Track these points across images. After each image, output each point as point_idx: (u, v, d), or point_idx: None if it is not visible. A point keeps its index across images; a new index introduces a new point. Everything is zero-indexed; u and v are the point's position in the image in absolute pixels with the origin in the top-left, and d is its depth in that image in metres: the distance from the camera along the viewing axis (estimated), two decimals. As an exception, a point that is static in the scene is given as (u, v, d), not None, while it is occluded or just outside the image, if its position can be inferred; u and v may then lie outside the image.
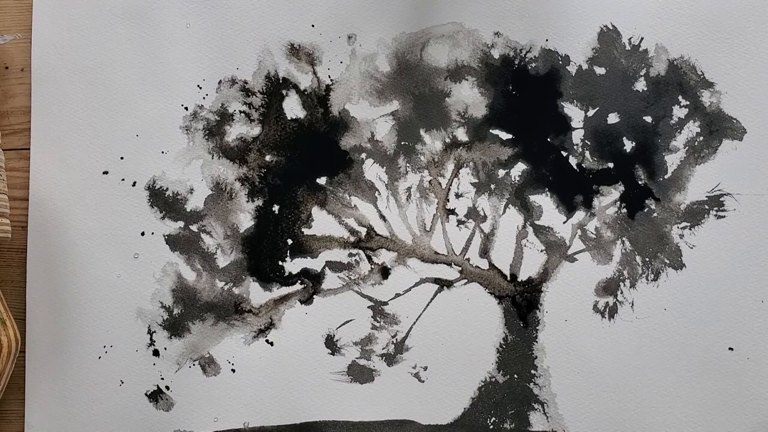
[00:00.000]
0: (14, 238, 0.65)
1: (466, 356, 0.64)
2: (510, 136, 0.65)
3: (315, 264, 0.65)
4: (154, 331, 0.65)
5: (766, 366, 0.63)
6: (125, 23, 0.66)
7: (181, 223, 0.65)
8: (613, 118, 0.65)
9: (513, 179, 0.65)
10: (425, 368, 0.64)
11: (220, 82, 0.66)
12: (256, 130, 0.66)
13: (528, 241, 0.64)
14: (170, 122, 0.66)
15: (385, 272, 0.65)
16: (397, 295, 0.65)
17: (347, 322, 0.64)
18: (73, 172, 0.65)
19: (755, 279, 0.63)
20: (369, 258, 0.65)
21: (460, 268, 0.65)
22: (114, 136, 0.66)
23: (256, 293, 0.65)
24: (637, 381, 0.63)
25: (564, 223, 0.65)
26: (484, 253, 0.65)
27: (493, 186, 0.65)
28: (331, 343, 0.64)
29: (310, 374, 0.64)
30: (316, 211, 0.65)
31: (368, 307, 0.64)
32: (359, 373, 0.64)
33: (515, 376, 0.64)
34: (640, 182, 0.64)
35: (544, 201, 0.65)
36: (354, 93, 0.66)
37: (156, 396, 0.64)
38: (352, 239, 0.65)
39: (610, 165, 0.65)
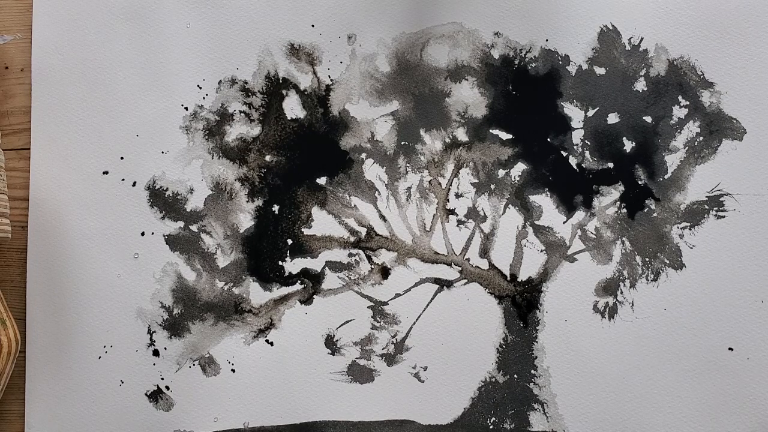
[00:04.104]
0: (14, 238, 0.65)
1: (466, 356, 0.64)
2: (510, 136, 0.65)
3: (315, 264, 0.65)
4: (154, 331, 0.65)
5: (766, 366, 0.63)
6: (125, 23, 0.66)
7: (181, 223, 0.65)
8: (613, 118, 0.65)
9: (513, 179, 0.65)
10: (425, 368, 0.64)
11: (220, 82, 0.66)
12: (256, 130, 0.66)
13: (528, 241, 0.64)
14: (170, 122, 0.66)
15: (385, 272, 0.65)
16: (397, 295, 0.65)
17: (347, 322, 0.64)
18: (73, 172, 0.66)
19: (755, 279, 0.63)
20: (369, 258, 0.65)
21: (460, 268, 0.65)
22: (114, 136, 0.66)
23: (256, 293, 0.65)
24: (637, 381, 0.63)
25: (564, 223, 0.65)
26: (484, 253, 0.65)
27: (493, 186, 0.65)
28: (331, 343, 0.64)
29: (310, 374, 0.64)
30: (316, 211, 0.65)
31: (368, 307, 0.64)
32: (359, 373, 0.64)
33: (515, 376, 0.64)
34: (640, 182, 0.64)
35: (544, 201, 0.65)
36: (354, 93, 0.66)
37: (156, 396, 0.64)
38: (352, 239, 0.65)
39: (610, 165, 0.65)
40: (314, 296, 0.65)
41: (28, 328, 0.65)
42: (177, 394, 0.64)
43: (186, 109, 0.66)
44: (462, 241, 0.65)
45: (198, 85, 0.66)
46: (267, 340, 0.64)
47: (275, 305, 0.65)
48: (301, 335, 0.64)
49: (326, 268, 0.65)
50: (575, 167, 0.65)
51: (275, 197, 0.65)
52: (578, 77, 0.65)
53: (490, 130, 0.65)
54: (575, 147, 0.65)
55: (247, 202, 0.65)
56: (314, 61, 0.66)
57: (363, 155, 0.65)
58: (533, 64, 0.65)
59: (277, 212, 0.65)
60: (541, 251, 0.64)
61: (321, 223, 0.65)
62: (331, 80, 0.66)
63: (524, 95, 0.65)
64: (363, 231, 0.65)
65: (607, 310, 0.64)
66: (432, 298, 0.64)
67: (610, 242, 0.64)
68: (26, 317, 0.65)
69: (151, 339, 0.65)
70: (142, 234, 0.65)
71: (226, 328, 0.65)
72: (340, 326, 0.64)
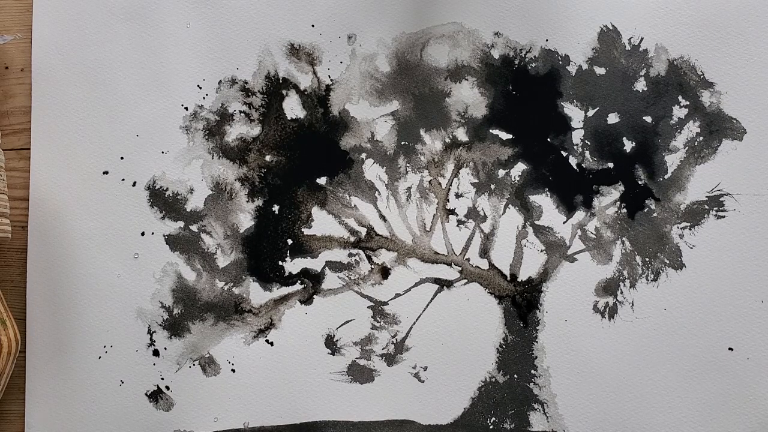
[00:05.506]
0: (14, 238, 0.65)
1: (466, 356, 0.64)
2: (510, 136, 0.65)
3: (315, 264, 0.65)
4: (154, 331, 0.65)
5: (766, 366, 0.63)
6: (125, 23, 0.66)
7: (181, 223, 0.65)
8: (613, 118, 0.65)
9: (513, 179, 0.65)
10: (425, 368, 0.64)
11: (220, 82, 0.66)
12: (256, 130, 0.66)
13: (528, 241, 0.64)
14: (170, 122, 0.66)
15: (385, 272, 0.65)
16: (397, 295, 0.65)
17: (347, 322, 0.64)
18: (73, 172, 0.66)
19: (755, 279, 0.63)
20: (369, 258, 0.65)
21: (460, 268, 0.65)
22: (114, 136, 0.66)
23: (256, 293, 0.65)
24: (637, 381, 0.63)
25: (564, 223, 0.65)
26: (484, 253, 0.65)
27: (493, 186, 0.65)
28: (331, 343, 0.64)
29: (310, 374, 0.64)
30: (316, 211, 0.65)
31: (368, 307, 0.64)
32: (359, 373, 0.64)
33: (515, 376, 0.64)
34: (640, 182, 0.64)
35: (544, 201, 0.65)
36: (354, 93, 0.66)
37: (156, 396, 0.64)
38: (352, 239, 0.65)
39: (610, 165, 0.65)
40: (314, 296, 0.65)
41: (28, 328, 0.65)
42: (177, 394, 0.64)
43: (186, 109, 0.66)
44: (462, 241, 0.65)
45: (198, 85, 0.66)
46: (267, 340, 0.64)
47: (275, 305, 0.65)
48: (301, 335, 0.64)
49: (326, 268, 0.65)
50: (575, 167, 0.65)
51: (275, 197, 0.65)
52: (578, 77, 0.65)
53: (490, 130, 0.65)
54: (575, 147, 0.65)
55: (247, 202, 0.65)
56: (314, 61, 0.66)
57: (363, 155, 0.65)
58: (533, 64, 0.65)
59: (277, 212, 0.65)
60: (541, 251, 0.64)
61: (321, 223, 0.65)
62: (331, 80, 0.66)
63: (524, 95, 0.65)
64: (363, 231, 0.65)
65: (607, 310, 0.64)
66: (432, 298, 0.64)
67: (610, 242, 0.64)
68: (26, 317, 0.65)
69: (151, 339, 0.65)
70: (142, 234, 0.65)
71: (226, 328, 0.65)
72: (340, 326, 0.64)
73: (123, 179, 0.65)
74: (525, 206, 0.65)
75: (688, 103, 0.64)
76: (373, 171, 0.65)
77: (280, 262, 0.65)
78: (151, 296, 0.65)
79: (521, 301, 0.64)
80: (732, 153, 0.64)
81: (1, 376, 0.59)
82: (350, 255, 0.65)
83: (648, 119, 0.65)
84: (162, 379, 0.64)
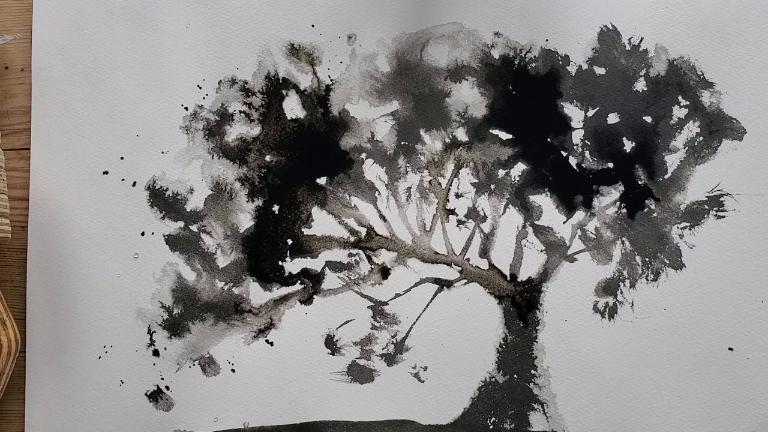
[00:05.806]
0: (14, 238, 0.65)
1: (466, 356, 0.64)
2: (510, 136, 0.65)
3: (315, 264, 0.65)
4: (154, 331, 0.65)
5: (766, 366, 0.63)
6: (125, 23, 0.66)
7: (181, 223, 0.65)
8: (613, 118, 0.65)
9: (513, 179, 0.65)
10: (425, 368, 0.64)
11: (220, 82, 0.66)
12: (256, 130, 0.66)
13: (528, 241, 0.64)
14: (170, 122, 0.66)
15: (385, 272, 0.65)
16: (397, 295, 0.65)
17: (347, 322, 0.64)
18: (73, 172, 0.66)
19: (755, 279, 0.63)
20: (369, 258, 0.65)
21: (460, 268, 0.65)
22: (114, 136, 0.66)
23: (256, 293, 0.65)
24: (637, 381, 0.63)
25: (564, 223, 0.65)
26: (484, 253, 0.65)
27: (493, 186, 0.65)
28: (331, 343, 0.64)
29: (310, 374, 0.64)
30: (316, 211, 0.65)
31: (368, 307, 0.64)
32: (359, 373, 0.64)
33: (515, 376, 0.64)
34: (640, 182, 0.64)
35: (544, 201, 0.65)
36: (354, 93, 0.66)
37: (156, 396, 0.64)
38: (352, 239, 0.65)
39: (610, 165, 0.65)
40: (314, 296, 0.65)
41: (28, 328, 0.65)
42: (177, 394, 0.64)
43: (186, 109, 0.66)
44: (462, 241, 0.65)
45: (198, 85, 0.66)
46: (267, 340, 0.64)
47: (275, 305, 0.65)
48: (301, 335, 0.64)
49: (326, 268, 0.65)
50: (575, 167, 0.65)
51: (275, 197, 0.65)
52: (578, 77, 0.65)
53: (490, 130, 0.65)
54: (575, 147, 0.65)
55: (247, 202, 0.65)
56: (314, 61, 0.66)
57: (363, 155, 0.65)
58: (533, 64, 0.65)
59: (277, 212, 0.65)
60: (541, 251, 0.64)
61: (321, 223, 0.65)
62: (331, 80, 0.66)
63: (524, 95, 0.65)
64: (363, 231, 0.65)
65: (607, 310, 0.64)
66: (432, 298, 0.64)
67: (610, 242, 0.64)
68: (26, 317, 0.65)
69: (151, 339, 0.65)
70: (142, 234, 0.65)
71: (226, 328, 0.65)
72: (340, 326, 0.64)
73: (123, 179, 0.65)
74: (525, 206, 0.65)
75: (688, 103, 0.64)
76: (373, 171, 0.65)
77: (280, 262, 0.65)
78: (151, 296, 0.65)
79: (521, 301, 0.64)
80: (732, 153, 0.64)
81: (1, 376, 0.59)
82: (350, 255, 0.65)
83: (648, 119, 0.65)
84: (162, 379, 0.64)
